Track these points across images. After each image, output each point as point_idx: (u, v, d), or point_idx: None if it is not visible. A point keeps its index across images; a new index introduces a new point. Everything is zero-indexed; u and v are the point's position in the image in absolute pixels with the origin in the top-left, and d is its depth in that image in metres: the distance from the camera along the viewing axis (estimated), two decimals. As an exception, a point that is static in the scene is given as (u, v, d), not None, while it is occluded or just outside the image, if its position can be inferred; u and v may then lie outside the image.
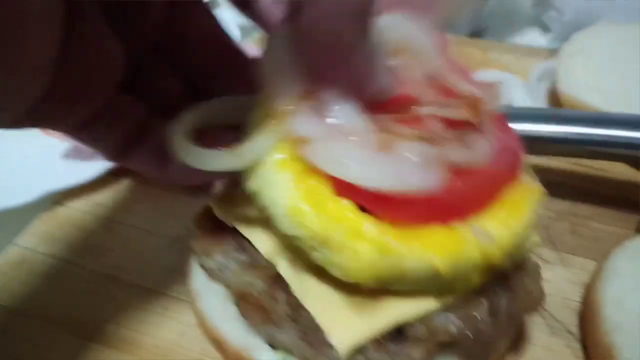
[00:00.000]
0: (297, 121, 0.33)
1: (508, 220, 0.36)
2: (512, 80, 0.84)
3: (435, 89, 0.37)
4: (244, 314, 0.40)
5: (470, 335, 0.37)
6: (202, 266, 0.45)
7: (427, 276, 0.34)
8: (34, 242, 0.59)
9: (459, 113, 0.36)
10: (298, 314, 0.38)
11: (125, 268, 0.55)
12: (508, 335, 0.44)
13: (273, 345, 0.40)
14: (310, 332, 0.37)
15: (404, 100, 0.36)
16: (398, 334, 0.37)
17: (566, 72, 0.76)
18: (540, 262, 0.55)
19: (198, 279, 0.47)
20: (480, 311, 0.38)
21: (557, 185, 0.65)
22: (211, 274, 0.44)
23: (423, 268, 0.34)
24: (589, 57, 0.77)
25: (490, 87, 0.38)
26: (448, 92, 0.37)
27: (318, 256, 0.34)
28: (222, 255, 0.42)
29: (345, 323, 0.36)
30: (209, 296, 0.46)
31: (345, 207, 0.33)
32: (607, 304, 0.47)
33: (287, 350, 0.38)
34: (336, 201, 0.33)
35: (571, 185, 0.66)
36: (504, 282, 0.40)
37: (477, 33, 1.06)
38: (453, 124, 0.36)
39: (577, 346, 0.49)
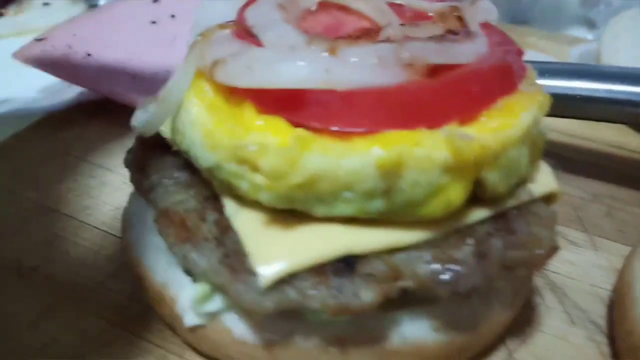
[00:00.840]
0: (211, 46, 0.31)
1: (496, 126, 0.27)
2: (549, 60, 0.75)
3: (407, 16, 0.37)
4: (163, 231, 0.31)
5: (448, 281, 0.27)
6: (137, 185, 0.37)
7: (368, 178, 0.26)
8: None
9: (432, 29, 0.33)
10: (225, 236, 0.30)
11: (69, 202, 0.48)
12: (506, 301, 0.34)
13: (188, 272, 0.31)
14: (233, 255, 0.29)
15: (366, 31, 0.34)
16: (347, 267, 0.27)
17: (609, 51, 0.67)
18: (565, 242, 0.46)
19: (132, 207, 0.39)
20: (463, 253, 0.28)
21: (597, 167, 0.56)
22: (144, 192, 0.35)
23: (360, 165, 0.25)
24: (633, 36, 0.67)
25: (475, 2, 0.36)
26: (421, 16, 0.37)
27: (241, 184, 0.29)
28: (157, 172, 0.35)
29: (274, 250, 0.28)
30: (139, 228, 0.37)
31: (259, 118, 0.29)
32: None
33: (202, 274, 0.29)
34: (251, 117, 0.29)
35: (612, 168, 0.56)
36: (503, 222, 0.30)
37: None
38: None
39: (603, 340, 0.38)
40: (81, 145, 0.56)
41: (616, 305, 0.38)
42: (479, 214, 0.30)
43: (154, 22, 0.69)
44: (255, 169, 0.27)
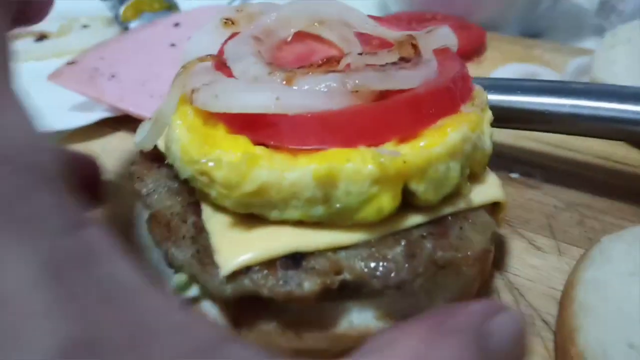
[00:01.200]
0: (191, 76, 0.38)
1: (424, 144, 0.32)
2: (546, 74, 0.78)
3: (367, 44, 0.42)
4: (151, 231, 0.38)
5: (379, 275, 0.32)
6: (137, 191, 0.43)
7: (308, 188, 0.32)
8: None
9: (387, 57, 0.37)
10: (200, 235, 0.36)
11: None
12: (451, 297, 0.38)
13: (171, 265, 0.37)
14: (203, 251, 0.35)
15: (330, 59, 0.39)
16: (294, 263, 0.33)
17: (604, 62, 0.69)
18: (531, 248, 0.49)
19: (137, 210, 0.46)
20: (394, 252, 0.33)
21: (578, 177, 0.58)
22: (141, 198, 0.42)
23: (300, 177, 0.31)
24: (629, 48, 0.69)
25: (432, 30, 0.42)
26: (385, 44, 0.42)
27: (211, 192, 0.35)
28: (153, 181, 0.41)
29: (234, 246, 0.34)
30: (139, 227, 0.44)
31: (227, 137, 0.35)
32: (583, 287, 0.39)
33: (180, 267, 0.35)
34: (221, 136, 0.35)
35: (592, 178, 0.59)
36: (439, 227, 0.35)
37: (531, 36, 1.00)
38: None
39: (549, 337, 0.41)
40: (105, 156, 0.63)
41: (560, 302, 0.42)
42: (414, 219, 0.35)
43: (173, 45, 0.76)
44: (212, 180, 0.33)
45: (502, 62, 0.83)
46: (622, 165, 0.60)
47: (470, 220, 0.36)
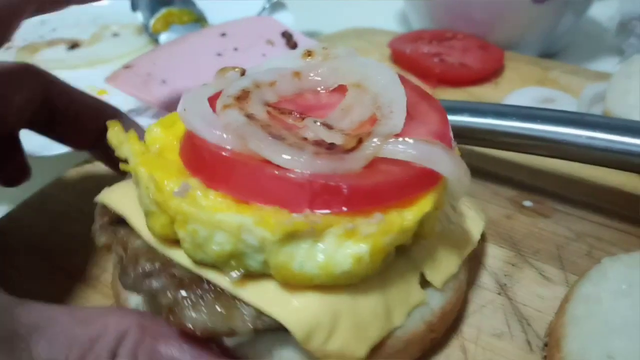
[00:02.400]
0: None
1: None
2: (562, 98, 0.80)
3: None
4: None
5: None
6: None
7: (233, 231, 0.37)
8: (57, 189, 0.64)
9: (333, 138, 0.40)
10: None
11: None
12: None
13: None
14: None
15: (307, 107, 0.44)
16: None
17: (617, 92, 0.71)
18: (540, 278, 0.52)
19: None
20: None
21: (584, 206, 0.61)
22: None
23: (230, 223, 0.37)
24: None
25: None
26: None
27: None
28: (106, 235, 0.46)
29: None
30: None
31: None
32: (576, 300, 0.44)
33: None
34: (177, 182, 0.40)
35: (600, 207, 0.61)
36: None
37: (550, 55, 1.02)
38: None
39: (554, 366, 0.44)
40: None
41: (555, 313, 0.46)
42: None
43: (219, 54, 0.80)
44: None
45: (519, 84, 0.85)
46: (633, 197, 0.63)
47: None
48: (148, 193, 0.39)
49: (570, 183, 0.65)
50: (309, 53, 0.47)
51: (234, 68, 0.45)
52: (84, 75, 0.92)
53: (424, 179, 0.39)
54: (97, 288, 0.52)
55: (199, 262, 0.39)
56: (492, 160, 0.67)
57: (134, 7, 1.01)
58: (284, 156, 0.37)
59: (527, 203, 0.62)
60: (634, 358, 0.39)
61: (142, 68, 0.76)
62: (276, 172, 0.37)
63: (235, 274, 0.38)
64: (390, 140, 0.39)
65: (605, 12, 1.12)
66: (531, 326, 0.48)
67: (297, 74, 0.46)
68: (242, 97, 0.42)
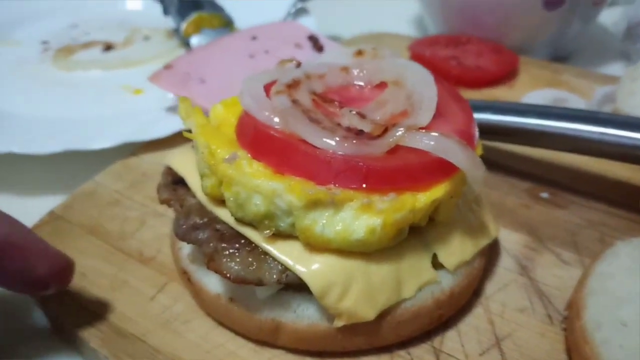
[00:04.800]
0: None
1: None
2: (574, 99, 0.85)
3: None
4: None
5: None
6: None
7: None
8: (107, 179, 0.69)
9: (363, 125, 0.45)
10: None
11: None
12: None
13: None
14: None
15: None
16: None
17: (627, 94, 0.76)
18: (558, 261, 0.57)
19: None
20: None
21: (596, 197, 0.66)
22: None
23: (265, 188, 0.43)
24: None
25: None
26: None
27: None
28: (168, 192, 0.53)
29: None
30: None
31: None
32: (593, 276, 0.49)
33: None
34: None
35: (610, 198, 0.66)
36: None
37: (560, 59, 1.07)
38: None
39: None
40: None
41: (574, 288, 0.51)
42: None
43: (251, 56, 0.85)
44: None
45: (533, 86, 0.91)
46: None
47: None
48: (203, 158, 0.46)
49: (583, 176, 0.70)
50: (359, 52, 0.53)
51: (291, 60, 0.51)
52: (119, 75, 0.98)
53: (439, 169, 0.44)
54: (153, 266, 0.57)
55: (239, 220, 0.45)
56: (511, 155, 0.73)
57: (166, 11, 1.06)
58: (317, 137, 0.43)
59: (544, 194, 0.67)
60: (644, 325, 0.44)
61: (181, 68, 0.81)
62: (309, 150, 0.43)
63: (267, 232, 0.44)
64: (414, 131, 0.44)
65: (612, 19, 1.17)
66: (551, 302, 0.53)
67: (344, 69, 0.52)
68: (293, 85, 0.48)
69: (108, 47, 1.06)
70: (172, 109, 0.81)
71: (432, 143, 0.43)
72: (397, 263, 0.45)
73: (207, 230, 0.46)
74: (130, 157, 0.74)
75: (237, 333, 0.49)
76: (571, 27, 1.02)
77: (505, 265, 0.57)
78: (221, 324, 0.50)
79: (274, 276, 0.43)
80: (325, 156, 0.42)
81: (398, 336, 0.47)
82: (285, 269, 0.43)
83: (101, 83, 0.96)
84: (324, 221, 0.42)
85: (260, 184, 0.43)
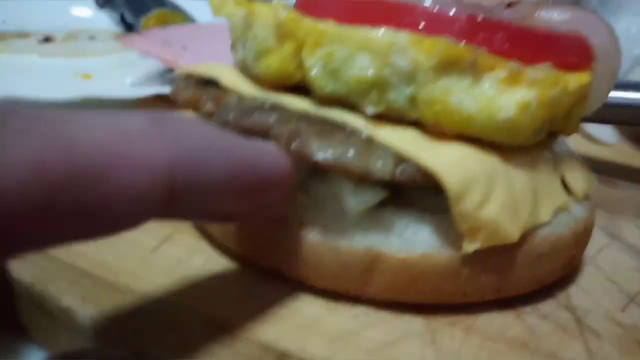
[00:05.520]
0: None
1: None
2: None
3: None
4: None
5: None
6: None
7: None
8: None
9: None
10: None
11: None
12: None
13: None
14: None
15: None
16: None
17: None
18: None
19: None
20: None
21: None
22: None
23: None
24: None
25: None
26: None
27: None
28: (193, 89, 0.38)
29: None
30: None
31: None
32: None
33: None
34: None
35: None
36: None
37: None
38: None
39: None
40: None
41: None
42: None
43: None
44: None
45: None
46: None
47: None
48: (274, 21, 0.33)
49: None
50: None
51: None
52: (61, 64, 0.81)
53: (576, 50, 0.35)
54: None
55: (326, 97, 0.32)
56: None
57: (100, 3, 0.95)
58: None
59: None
60: None
61: (156, 35, 0.68)
62: (435, 11, 0.32)
63: (372, 109, 0.31)
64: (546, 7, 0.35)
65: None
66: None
67: None
68: None
69: (46, 39, 0.89)
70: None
71: (568, 15, 0.34)
72: (532, 174, 0.34)
73: (274, 114, 0.32)
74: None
75: (294, 284, 0.34)
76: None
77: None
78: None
79: (387, 168, 0.29)
80: (457, 14, 0.31)
81: (532, 278, 0.35)
82: (400, 160, 0.30)
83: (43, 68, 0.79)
84: (461, 90, 0.30)
85: (370, 36, 0.30)
